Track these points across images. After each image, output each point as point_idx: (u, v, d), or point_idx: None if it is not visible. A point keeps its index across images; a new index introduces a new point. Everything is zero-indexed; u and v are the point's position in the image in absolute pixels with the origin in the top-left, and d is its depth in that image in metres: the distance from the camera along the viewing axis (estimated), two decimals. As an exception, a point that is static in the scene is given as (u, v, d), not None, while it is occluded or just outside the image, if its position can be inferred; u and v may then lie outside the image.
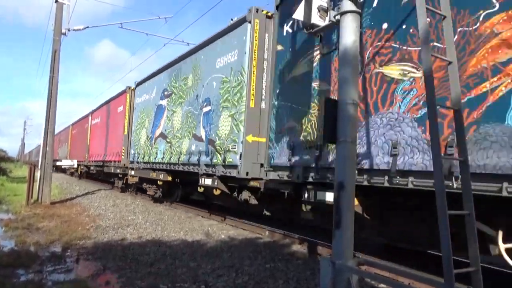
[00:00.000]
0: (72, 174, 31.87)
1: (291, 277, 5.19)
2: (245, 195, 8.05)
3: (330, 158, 5.23)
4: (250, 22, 7.23)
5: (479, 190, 3.54)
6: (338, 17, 4.10)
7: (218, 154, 8.03)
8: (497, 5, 3.58)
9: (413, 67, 4.30)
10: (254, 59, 7.19)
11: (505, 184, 3.42)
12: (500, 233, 4.06)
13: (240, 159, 7.19)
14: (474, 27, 3.76)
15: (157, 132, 11.95)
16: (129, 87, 15.60)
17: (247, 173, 7.12)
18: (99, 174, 21.11)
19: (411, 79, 4.31)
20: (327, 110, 3.88)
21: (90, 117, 22.96)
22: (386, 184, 4.44)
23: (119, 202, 13.75)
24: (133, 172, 14.19)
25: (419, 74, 4.19)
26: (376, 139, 4.62)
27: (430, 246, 5.45)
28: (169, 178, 11.33)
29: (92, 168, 22.02)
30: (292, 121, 6.10)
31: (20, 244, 6.75)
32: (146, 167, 12.71)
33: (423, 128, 4.13)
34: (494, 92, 3.57)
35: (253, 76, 7.18)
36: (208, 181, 8.47)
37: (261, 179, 7.07)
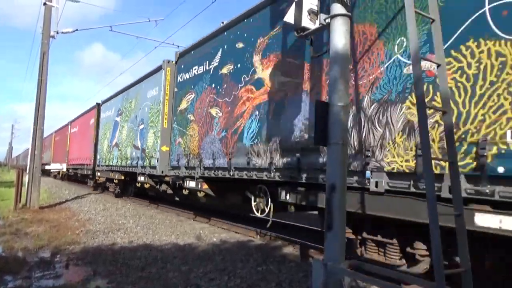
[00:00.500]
0: (55, 176, 35.45)
1: (284, 279, 5.18)
2: (163, 186, 11.43)
3: (192, 162, 8.65)
4: (164, 69, 10.43)
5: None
6: (328, 20, 4.12)
7: (147, 159, 11.19)
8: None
9: (220, 109, 7.71)
10: (166, 94, 10.37)
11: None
12: None
13: (157, 162, 10.22)
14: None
15: (114, 142, 15.35)
16: (98, 104, 18.83)
17: (162, 172, 10.12)
18: (76, 176, 24.78)
19: (219, 116, 7.73)
20: (318, 113, 3.89)
21: (69, 126, 26.22)
22: (213, 175, 7.86)
23: (109, 206, 13.62)
24: (99, 174, 17.59)
25: (220, 114, 7.66)
26: (208, 150, 8.02)
27: (243, 211, 9.37)
28: (122, 177, 14.63)
29: (70, 170, 25.49)
30: (179, 137, 9.54)
31: (8, 249, 6.64)
32: (107, 169, 15.96)
33: (222, 143, 7.51)
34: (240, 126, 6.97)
35: (166, 106, 10.29)
36: (141, 178, 11.91)
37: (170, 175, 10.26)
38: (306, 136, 5.47)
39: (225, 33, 7.85)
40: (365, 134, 4.58)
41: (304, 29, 4.37)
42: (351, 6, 4.47)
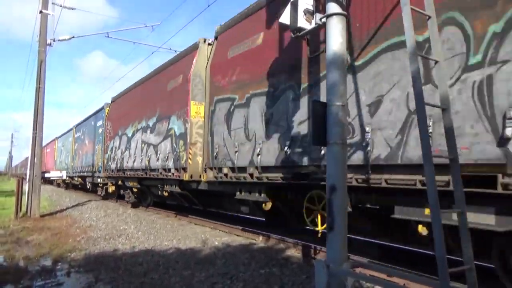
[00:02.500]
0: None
1: (286, 282, 5.14)
2: None
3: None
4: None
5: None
6: (324, 19, 4.11)
7: None
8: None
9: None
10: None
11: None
12: None
13: None
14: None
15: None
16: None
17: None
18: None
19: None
20: (315, 113, 3.87)
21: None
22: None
23: (110, 212, 13.58)
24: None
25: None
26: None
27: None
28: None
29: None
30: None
31: (9, 259, 6.60)
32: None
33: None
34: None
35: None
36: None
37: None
38: None
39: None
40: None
41: (300, 29, 4.36)
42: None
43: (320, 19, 4.22)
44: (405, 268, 5.47)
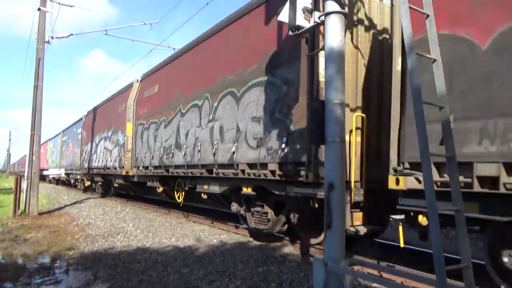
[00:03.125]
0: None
1: (284, 279, 5.16)
2: None
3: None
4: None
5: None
6: (323, 18, 4.11)
7: None
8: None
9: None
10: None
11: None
12: None
13: None
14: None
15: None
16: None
17: None
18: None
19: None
20: (313, 111, 3.88)
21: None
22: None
23: (108, 210, 13.58)
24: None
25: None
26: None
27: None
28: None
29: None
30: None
31: (7, 256, 6.61)
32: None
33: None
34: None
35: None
36: None
37: None
38: None
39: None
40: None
41: (299, 27, 4.36)
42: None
43: (319, 17, 4.22)
44: (404, 267, 5.50)
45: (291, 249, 7.09)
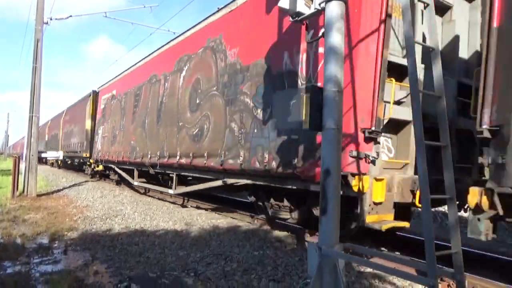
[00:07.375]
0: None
1: (280, 263, 5.26)
2: None
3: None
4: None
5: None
6: (323, 4, 4.10)
7: None
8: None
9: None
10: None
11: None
12: None
13: None
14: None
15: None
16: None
17: None
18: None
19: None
20: (311, 98, 3.90)
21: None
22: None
23: (106, 193, 13.67)
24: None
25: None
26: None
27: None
28: None
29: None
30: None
31: (6, 236, 6.69)
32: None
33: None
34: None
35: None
36: None
37: None
38: None
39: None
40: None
41: (299, 14, 4.35)
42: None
43: (319, 4, 4.21)
44: (397, 253, 5.62)
45: (287, 234, 7.19)
